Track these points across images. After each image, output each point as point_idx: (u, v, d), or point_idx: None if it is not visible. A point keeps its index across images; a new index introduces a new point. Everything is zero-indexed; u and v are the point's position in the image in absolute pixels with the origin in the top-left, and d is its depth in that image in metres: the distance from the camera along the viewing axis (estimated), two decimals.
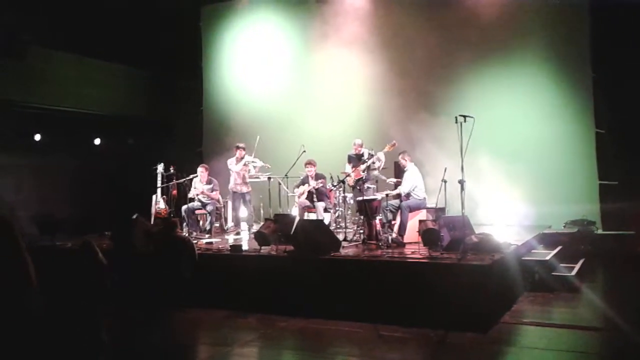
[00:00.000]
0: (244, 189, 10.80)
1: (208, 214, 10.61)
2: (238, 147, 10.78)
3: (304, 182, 10.39)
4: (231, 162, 10.81)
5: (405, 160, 9.12)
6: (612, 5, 10.11)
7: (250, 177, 10.92)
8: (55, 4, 12.27)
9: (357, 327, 6.50)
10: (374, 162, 9.46)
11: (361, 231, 9.08)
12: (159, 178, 11.17)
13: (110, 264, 3.21)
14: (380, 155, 9.51)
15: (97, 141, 14.18)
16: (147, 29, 13.42)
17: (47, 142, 13.04)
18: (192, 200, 10.70)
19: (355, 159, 9.85)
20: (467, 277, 6.42)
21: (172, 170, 11.34)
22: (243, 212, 10.90)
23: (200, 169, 10.78)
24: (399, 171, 10.10)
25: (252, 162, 10.75)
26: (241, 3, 13.92)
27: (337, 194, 10.39)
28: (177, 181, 11.28)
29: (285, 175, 10.28)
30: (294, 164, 10.16)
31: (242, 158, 10.72)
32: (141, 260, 8.07)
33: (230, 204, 11.69)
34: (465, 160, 7.39)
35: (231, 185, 10.83)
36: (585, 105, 10.88)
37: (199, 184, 10.69)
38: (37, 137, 13.03)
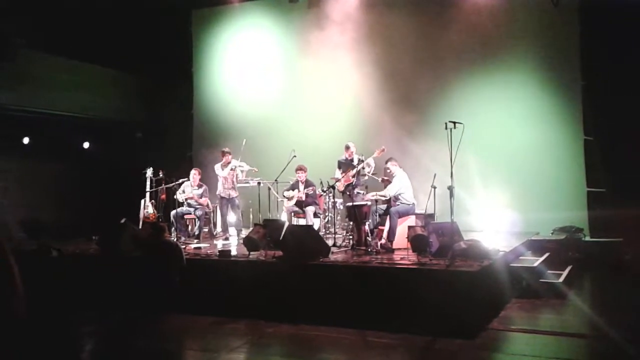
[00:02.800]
0: (232, 194, 10.73)
1: (197, 219, 10.57)
2: (224, 152, 10.72)
3: (294, 187, 10.38)
4: (218, 168, 10.76)
5: (394, 166, 9.11)
6: (603, 13, 10.20)
7: (240, 181, 10.89)
8: (46, 8, 12.21)
9: (345, 333, 6.49)
10: (363, 168, 9.47)
11: (350, 237, 9.08)
12: (148, 182, 11.13)
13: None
14: (370, 160, 9.52)
15: (86, 145, 14.12)
16: (138, 33, 13.38)
17: (36, 145, 12.97)
18: (180, 204, 10.65)
19: (346, 164, 9.84)
20: (456, 283, 6.44)
21: (161, 175, 11.30)
22: (231, 217, 10.88)
23: (193, 172, 10.73)
24: (390, 176, 10.10)
25: (239, 166, 10.70)
26: (232, 8, 13.91)
27: (327, 200, 10.38)
28: (166, 186, 11.23)
29: (275, 180, 10.26)
30: (284, 168, 10.13)
31: (228, 163, 10.67)
32: (128, 265, 8.03)
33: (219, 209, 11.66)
34: (455, 167, 7.41)
35: (219, 190, 10.77)
36: (574, 112, 10.95)
37: (189, 188, 10.64)
38: (26, 140, 12.96)
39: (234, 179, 10.73)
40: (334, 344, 6.29)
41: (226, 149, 10.76)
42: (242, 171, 10.71)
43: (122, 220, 9.10)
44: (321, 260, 7.56)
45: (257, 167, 10.96)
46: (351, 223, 9.19)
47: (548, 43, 11.13)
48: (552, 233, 10.71)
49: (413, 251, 7.88)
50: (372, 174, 9.75)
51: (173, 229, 10.44)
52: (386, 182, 9.29)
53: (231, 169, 10.63)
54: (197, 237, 10.43)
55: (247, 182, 10.96)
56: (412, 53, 11.87)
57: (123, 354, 6.28)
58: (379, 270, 7.11)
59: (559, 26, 11.05)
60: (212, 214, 11.46)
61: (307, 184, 10.21)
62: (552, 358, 5.69)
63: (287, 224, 8.75)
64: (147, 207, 11.07)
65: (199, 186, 10.70)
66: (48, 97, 12.67)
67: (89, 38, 12.90)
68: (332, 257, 7.85)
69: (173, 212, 10.56)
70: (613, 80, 10.29)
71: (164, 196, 11.39)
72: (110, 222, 9.26)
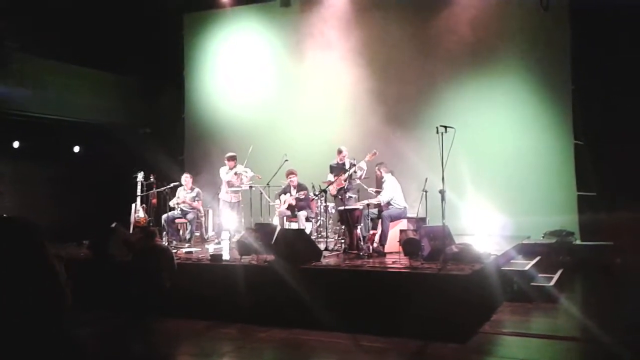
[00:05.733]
0: (234, 199, 10.75)
1: (188, 223, 10.54)
2: (230, 157, 10.72)
3: (285, 191, 10.37)
4: (222, 172, 10.76)
5: (382, 172, 9.14)
6: (593, 17, 10.26)
7: (234, 186, 10.86)
8: (39, 11, 12.15)
9: (337, 337, 6.48)
10: (355, 172, 9.47)
11: (342, 241, 9.08)
12: (139, 186, 11.08)
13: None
14: (362, 164, 9.52)
15: (77, 149, 14.05)
16: (130, 36, 13.34)
17: (27, 149, 12.89)
18: (172, 208, 10.62)
19: (338, 168, 9.84)
20: (447, 287, 6.44)
21: (152, 179, 11.26)
22: (230, 221, 10.82)
23: (184, 178, 10.71)
24: (379, 182, 10.13)
25: (244, 171, 10.70)
26: (224, 12, 13.90)
27: (319, 203, 10.38)
28: (157, 190, 11.19)
29: (267, 184, 10.26)
30: (276, 172, 10.14)
31: (232, 168, 10.68)
32: (119, 269, 7.99)
33: (211, 212, 11.62)
34: (446, 171, 7.43)
35: (222, 194, 10.77)
36: (564, 116, 11.00)
37: (182, 192, 10.61)
38: (17, 144, 12.89)
39: (237, 183, 10.73)
40: (326, 348, 6.29)
41: (232, 154, 10.76)
42: (246, 176, 10.70)
43: (113, 225, 9.05)
44: (313, 264, 7.55)
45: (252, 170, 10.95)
46: (343, 227, 9.19)
47: (538, 47, 11.18)
48: (543, 237, 10.74)
49: (405, 255, 7.89)
50: (365, 177, 9.77)
51: (164, 233, 10.40)
52: (378, 194, 9.32)
53: (235, 174, 10.63)
54: (189, 241, 10.39)
55: (240, 187, 10.94)
56: (403, 57, 11.90)
57: (114, 359, 6.24)
58: (370, 274, 7.10)
59: (549, 30, 11.11)
60: (203, 218, 11.42)
61: (300, 187, 10.20)
62: None
63: (278, 228, 8.74)
64: (137, 212, 11.02)
65: (192, 189, 10.68)
66: (40, 101, 12.59)
67: (82, 42, 12.85)
68: (324, 261, 7.84)
69: (164, 216, 10.52)
70: (603, 84, 10.36)
71: (155, 200, 11.35)
72: (100, 227, 9.20)
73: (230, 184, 10.66)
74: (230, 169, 10.67)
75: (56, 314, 1.73)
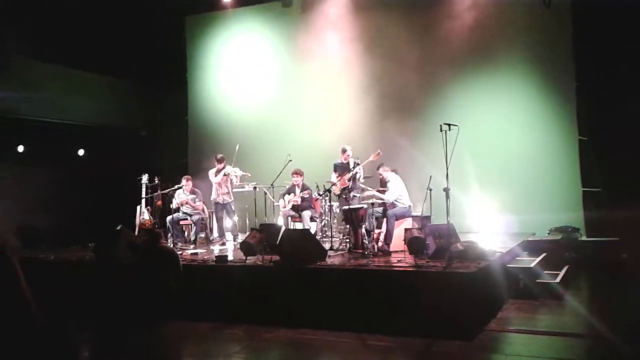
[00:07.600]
0: (227, 199, 10.73)
1: (193, 225, 10.55)
2: (217, 159, 10.71)
3: (290, 191, 10.37)
4: (211, 174, 10.76)
5: (386, 171, 9.11)
6: (595, 13, 10.25)
7: (235, 187, 10.88)
8: (39, 14, 12.20)
9: (343, 336, 6.47)
10: (357, 172, 9.46)
11: (347, 240, 9.08)
12: (144, 189, 11.10)
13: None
14: (359, 168, 9.48)
15: (81, 152, 14.10)
16: (132, 39, 13.38)
17: (30, 152, 12.94)
18: (176, 210, 10.64)
19: (342, 168, 9.84)
20: (453, 285, 6.43)
21: (156, 181, 11.28)
22: (227, 222, 10.87)
23: (183, 180, 10.73)
24: (384, 182, 10.13)
25: (233, 172, 10.70)
26: (225, 13, 13.93)
27: (323, 203, 10.38)
28: (161, 192, 11.21)
29: (271, 184, 10.26)
30: (280, 173, 10.14)
31: (222, 169, 10.67)
32: (125, 271, 8.00)
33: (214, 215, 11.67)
34: (450, 169, 7.42)
35: (213, 196, 10.77)
36: (568, 113, 11.00)
37: (183, 195, 10.63)
38: (21, 148, 12.94)
39: (228, 185, 10.72)
40: (332, 348, 6.29)
41: (219, 156, 10.76)
42: (236, 176, 10.70)
43: (118, 227, 9.07)
44: (318, 264, 7.55)
45: (253, 171, 10.96)
46: (348, 226, 9.19)
47: (541, 44, 11.17)
48: (548, 233, 10.73)
49: (410, 253, 7.87)
50: (365, 177, 9.76)
51: (169, 235, 10.42)
52: (382, 191, 9.30)
53: (224, 175, 10.63)
54: (194, 242, 10.41)
55: (243, 187, 10.95)
56: (405, 56, 11.90)
57: None
58: (376, 273, 7.09)
59: (551, 27, 11.10)
60: (208, 220, 11.44)
61: (303, 187, 10.21)
62: (549, 358, 5.69)
63: (283, 228, 8.74)
64: (142, 214, 11.05)
65: (192, 192, 10.69)
66: (43, 104, 12.65)
67: (84, 45, 12.89)
68: (329, 260, 7.84)
69: (169, 218, 10.54)
70: (606, 80, 10.34)
71: (159, 202, 11.37)
72: (106, 229, 9.23)
73: (220, 186, 10.65)
74: (219, 170, 10.66)
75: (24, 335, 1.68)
